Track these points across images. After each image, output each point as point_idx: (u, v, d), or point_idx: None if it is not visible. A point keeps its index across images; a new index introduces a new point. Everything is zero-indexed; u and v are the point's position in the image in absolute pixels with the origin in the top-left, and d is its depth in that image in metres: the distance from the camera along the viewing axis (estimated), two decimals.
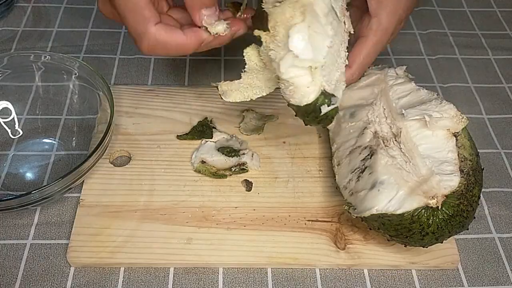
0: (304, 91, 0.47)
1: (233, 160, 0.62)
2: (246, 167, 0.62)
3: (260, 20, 0.49)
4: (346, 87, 0.53)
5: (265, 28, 0.48)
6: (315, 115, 0.49)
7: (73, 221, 0.57)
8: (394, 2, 0.53)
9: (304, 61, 0.46)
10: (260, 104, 0.68)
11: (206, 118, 0.66)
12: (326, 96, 0.48)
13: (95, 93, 0.62)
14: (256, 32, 0.49)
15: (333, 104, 0.48)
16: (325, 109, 0.48)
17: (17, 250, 0.56)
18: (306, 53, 0.46)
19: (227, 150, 0.62)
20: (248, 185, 0.60)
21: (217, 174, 0.61)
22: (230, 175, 0.61)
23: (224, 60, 0.77)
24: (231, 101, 0.54)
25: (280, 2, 0.47)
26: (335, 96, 0.48)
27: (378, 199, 0.51)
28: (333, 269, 0.55)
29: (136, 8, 0.48)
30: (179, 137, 0.65)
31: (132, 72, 0.75)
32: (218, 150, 0.62)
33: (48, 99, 0.66)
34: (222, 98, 0.54)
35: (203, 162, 0.62)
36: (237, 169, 0.61)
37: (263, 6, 0.48)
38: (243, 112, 0.67)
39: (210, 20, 0.51)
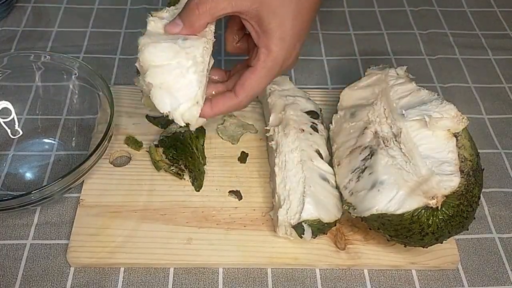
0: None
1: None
2: (183, 175, 0.60)
3: None
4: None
5: None
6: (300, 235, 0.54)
7: (73, 221, 0.57)
8: (281, 31, 0.50)
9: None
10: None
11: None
12: (297, 227, 0.53)
13: (95, 93, 0.62)
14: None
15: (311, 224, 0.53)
16: (308, 234, 0.53)
17: (17, 250, 0.56)
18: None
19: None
20: (238, 195, 0.59)
21: (157, 163, 0.61)
22: (166, 171, 0.61)
23: (224, 60, 0.77)
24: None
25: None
26: (304, 225, 0.53)
27: (378, 199, 0.51)
28: (333, 269, 0.55)
29: None
30: (147, 117, 0.66)
31: (132, 72, 0.74)
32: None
33: (48, 99, 0.66)
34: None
35: (156, 145, 0.61)
36: (173, 170, 0.60)
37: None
38: (225, 116, 0.66)
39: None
